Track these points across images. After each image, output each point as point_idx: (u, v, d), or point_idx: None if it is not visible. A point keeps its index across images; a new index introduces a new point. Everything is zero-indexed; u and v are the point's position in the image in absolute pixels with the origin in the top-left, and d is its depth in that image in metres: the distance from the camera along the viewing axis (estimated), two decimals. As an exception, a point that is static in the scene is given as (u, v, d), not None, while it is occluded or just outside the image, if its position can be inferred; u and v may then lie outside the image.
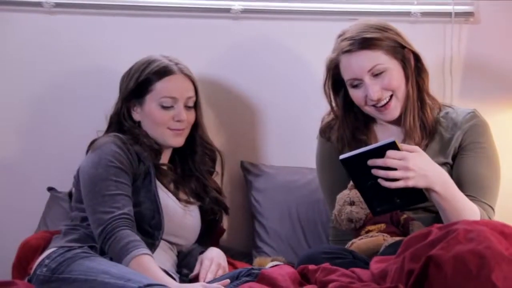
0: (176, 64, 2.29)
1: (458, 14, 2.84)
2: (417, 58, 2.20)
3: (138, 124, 2.29)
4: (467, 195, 2.06)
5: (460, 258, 1.39)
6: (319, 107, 2.76)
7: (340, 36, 2.23)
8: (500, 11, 2.86)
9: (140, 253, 1.98)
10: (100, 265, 1.97)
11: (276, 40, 2.82)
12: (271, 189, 2.70)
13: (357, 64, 2.17)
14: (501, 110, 2.82)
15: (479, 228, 1.46)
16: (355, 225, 2.18)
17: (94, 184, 2.12)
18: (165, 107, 2.25)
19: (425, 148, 2.17)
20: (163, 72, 2.26)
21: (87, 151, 2.26)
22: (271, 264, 2.31)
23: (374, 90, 2.14)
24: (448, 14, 2.83)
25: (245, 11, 2.79)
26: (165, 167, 2.27)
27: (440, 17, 2.83)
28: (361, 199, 2.13)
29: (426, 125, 2.20)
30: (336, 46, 2.24)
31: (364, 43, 2.16)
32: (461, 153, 2.19)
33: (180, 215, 2.25)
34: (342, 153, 2.27)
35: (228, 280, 1.95)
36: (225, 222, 2.60)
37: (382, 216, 2.14)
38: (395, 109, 2.18)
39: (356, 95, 2.20)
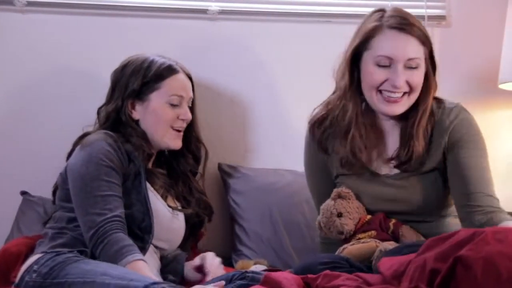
0: (176, 63, 2.19)
1: (430, 18, 2.80)
2: (434, 65, 2.06)
3: (136, 122, 2.14)
4: (477, 192, 1.96)
5: (490, 260, 1.27)
6: (297, 108, 2.70)
7: (381, 11, 2.05)
8: (471, 15, 2.84)
9: (135, 259, 1.83)
10: (97, 267, 1.80)
11: (252, 42, 2.70)
12: (251, 191, 2.56)
13: (402, 47, 1.98)
14: (471, 111, 2.78)
15: (506, 229, 1.38)
16: (345, 236, 2.05)
17: (85, 183, 1.95)
18: (172, 106, 2.13)
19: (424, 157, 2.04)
20: (169, 70, 2.15)
21: (74, 146, 2.10)
22: (254, 268, 2.20)
23: (400, 78, 1.97)
24: (421, 18, 2.77)
25: (222, 12, 2.67)
26: (155, 172, 2.12)
27: (414, 20, 2.79)
28: (348, 210, 2.04)
29: (427, 136, 2.05)
30: (378, 18, 2.02)
31: (416, 31, 1.99)
32: (455, 150, 2.03)
33: (168, 219, 2.09)
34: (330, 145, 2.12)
35: (223, 282, 1.81)
36: (203, 225, 2.47)
37: (372, 224, 2.03)
38: (401, 107, 2.01)
39: (377, 74, 1.99)
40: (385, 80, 1.99)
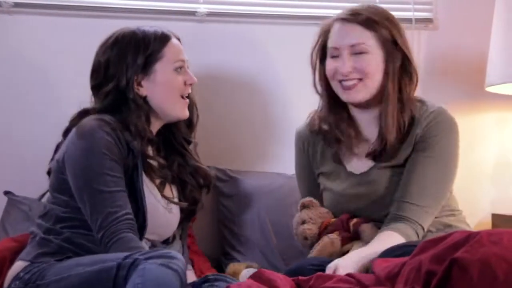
0: (166, 29, 2.09)
1: (418, 21, 2.82)
2: (407, 60, 2.06)
3: (143, 99, 2.02)
4: (407, 202, 1.98)
5: (486, 262, 1.26)
6: (287, 111, 2.70)
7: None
8: (458, 18, 2.85)
9: None
10: (70, 261, 1.77)
11: (241, 44, 2.69)
12: (240, 194, 2.54)
13: (345, 35, 2.04)
14: (459, 114, 2.78)
15: (500, 231, 1.38)
16: (311, 241, 2.07)
17: (89, 179, 1.85)
18: (178, 71, 2.04)
19: (397, 150, 2.05)
20: (165, 37, 2.04)
21: (71, 124, 2.00)
22: (245, 271, 2.20)
23: (346, 65, 2.03)
24: (408, 20, 2.79)
25: (211, 14, 2.66)
26: (155, 163, 2.01)
27: (401, 23, 2.77)
28: (311, 216, 2.08)
29: (402, 129, 2.04)
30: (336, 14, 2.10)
31: (360, 18, 2.03)
32: (417, 151, 2.02)
33: (161, 213, 2.01)
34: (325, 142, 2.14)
35: None
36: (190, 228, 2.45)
37: (335, 225, 2.05)
38: (358, 93, 2.04)
39: (330, 65, 2.06)
40: (336, 69, 2.06)
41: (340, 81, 2.05)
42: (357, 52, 2.03)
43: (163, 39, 2.03)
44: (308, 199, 2.12)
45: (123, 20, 2.59)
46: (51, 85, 2.57)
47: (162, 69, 2.02)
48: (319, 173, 2.19)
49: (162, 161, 2.04)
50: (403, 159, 2.05)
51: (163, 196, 2.02)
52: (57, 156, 1.98)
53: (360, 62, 2.03)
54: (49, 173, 2.04)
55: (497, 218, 2.75)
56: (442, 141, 2.04)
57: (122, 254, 1.69)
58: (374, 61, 2.04)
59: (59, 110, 2.51)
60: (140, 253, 1.67)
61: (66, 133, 2.02)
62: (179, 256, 1.69)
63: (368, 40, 2.03)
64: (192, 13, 2.65)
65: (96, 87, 2.05)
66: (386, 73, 2.04)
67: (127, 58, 2.00)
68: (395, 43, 2.05)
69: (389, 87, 2.03)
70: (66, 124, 2.13)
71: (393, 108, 2.03)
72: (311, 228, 2.07)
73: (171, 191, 2.09)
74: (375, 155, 2.07)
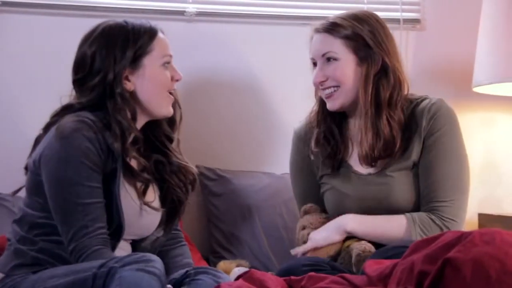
0: (152, 23, 2.01)
1: (405, 21, 2.83)
2: (386, 66, 2.02)
3: (131, 94, 1.92)
4: (434, 201, 1.98)
5: (479, 262, 1.27)
6: (275, 110, 2.70)
7: None
8: (445, 19, 2.87)
9: None
10: (44, 273, 1.71)
11: (230, 43, 2.69)
12: (228, 193, 2.54)
13: (316, 45, 2.07)
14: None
15: (492, 231, 1.39)
16: None
17: (64, 189, 1.77)
18: (166, 66, 1.96)
19: (405, 151, 2.03)
20: (153, 31, 1.96)
21: (51, 122, 1.90)
22: (236, 269, 2.20)
23: (317, 74, 2.05)
24: (396, 21, 2.80)
25: (200, 13, 2.65)
26: (135, 164, 1.91)
27: (389, 24, 2.74)
28: (311, 221, 2.09)
29: (382, 135, 2.00)
30: None
31: (329, 27, 2.05)
32: (428, 151, 2.01)
33: (142, 216, 1.92)
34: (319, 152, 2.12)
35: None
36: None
37: None
38: (335, 101, 2.04)
39: (313, 75, 2.08)
40: None
41: (323, 90, 2.07)
42: (330, 58, 2.04)
43: (151, 33, 1.96)
44: (309, 205, 2.13)
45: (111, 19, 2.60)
46: (39, 84, 2.55)
47: (150, 64, 1.94)
48: (323, 174, 2.15)
49: (143, 161, 1.95)
50: (415, 158, 2.04)
51: (142, 201, 1.93)
52: (34, 154, 1.88)
53: (330, 70, 2.04)
54: (26, 168, 1.94)
55: (483, 218, 2.76)
56: (447, 135, 2.04)
57: (97, 263, 1.63)
58: (346, 67, 2.03)
59: (46, 109, 2.47)
60: (114, 260, 1.62)
61: (47, 128, 1.93)
62: (157, 258, 1.65)
63: (335, 46, 2.03)
64: (181, 13, 2.64)
65: (79, 81, 1.95)
66: (359, 78, 2.03)
67: (116, 51, 1.90)
68: (368, 46, 2.03)
69: (360, 92, 2.02)
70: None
71: (365, 113, 2.01)
72: (309, 233, 2.06)
73: (153, 190, 2.00)
74: (380, 159, 2.04)
